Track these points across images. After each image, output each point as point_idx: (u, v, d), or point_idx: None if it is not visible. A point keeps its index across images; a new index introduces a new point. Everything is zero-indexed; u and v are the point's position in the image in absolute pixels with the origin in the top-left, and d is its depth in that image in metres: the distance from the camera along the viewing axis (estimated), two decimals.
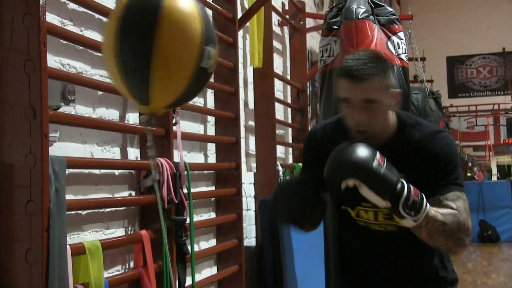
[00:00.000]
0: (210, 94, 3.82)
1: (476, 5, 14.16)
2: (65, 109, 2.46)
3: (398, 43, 3.55)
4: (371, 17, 3.53)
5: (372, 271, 1.88)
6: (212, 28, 1.67)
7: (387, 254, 1.85)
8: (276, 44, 5.18)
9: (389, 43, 3.53)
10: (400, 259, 1.83)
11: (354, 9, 3.51)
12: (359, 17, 3.49)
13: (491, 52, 14.36)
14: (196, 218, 3.53)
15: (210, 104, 3.82)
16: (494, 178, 18.24)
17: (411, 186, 1.57)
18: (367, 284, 1.89)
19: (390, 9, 3.64)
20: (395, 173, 1.57)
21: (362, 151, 1.55)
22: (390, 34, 3.54)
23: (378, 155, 1.57)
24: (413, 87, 5.95)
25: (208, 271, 3.68)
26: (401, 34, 3.59)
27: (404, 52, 3.58)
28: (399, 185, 1.55)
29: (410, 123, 1.79)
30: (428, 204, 1.59)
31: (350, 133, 1.72)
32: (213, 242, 3.74)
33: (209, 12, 3.81)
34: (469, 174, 15.08)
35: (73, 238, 2.46)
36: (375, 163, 1.53)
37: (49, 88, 2.26)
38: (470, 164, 16.77)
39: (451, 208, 1.64)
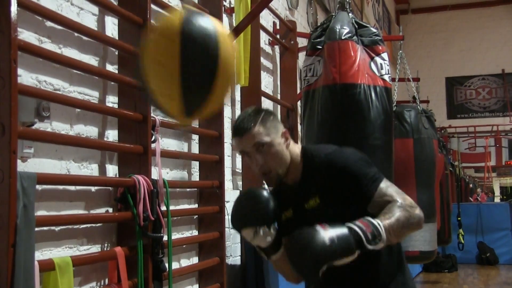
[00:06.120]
0: None
1: (475, 27, 14.20)
2: (40, 125, 2.48)
3: (381, 64, 3.56)
4: (355, 37, 3.54)
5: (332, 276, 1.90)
6: None
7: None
8: (266, 63, 5.21)
9: (372, 63, 3.53)
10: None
11: (338, 30, 3.53)
12: (342, 37, 3.50)
13: (490, 74, 14.38)
14: (178, 235, 3.53)
15: (194, 122, 3.84)
16: (497, 199, 18.12)
17: (358, 223, 1.64)
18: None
19: (374, 30, 3.65)
20: (343, 228, 1.62)
21: (318, 237, 1.59)
22: (373, 55, 3.55)
23: (321, 230, 1.61)
24: (406, 105, 5.97)
25: None
26: (384, 55, 3.60)
27: (387, 73, 3.59)
28: (353, 236, 1.61)
29: (311, 154, 1.90)
30: (379, 222, 1.65)
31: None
32: (195, 260, 3.73)
33: None
34: (470, 199, 14.95)
35: (45, 254, 2.47)
36: (333, 244, 1.58)
37: (22, 104, 2.30)
38: (471, 186, 16.68)
39: (389, 201, 1.74)
